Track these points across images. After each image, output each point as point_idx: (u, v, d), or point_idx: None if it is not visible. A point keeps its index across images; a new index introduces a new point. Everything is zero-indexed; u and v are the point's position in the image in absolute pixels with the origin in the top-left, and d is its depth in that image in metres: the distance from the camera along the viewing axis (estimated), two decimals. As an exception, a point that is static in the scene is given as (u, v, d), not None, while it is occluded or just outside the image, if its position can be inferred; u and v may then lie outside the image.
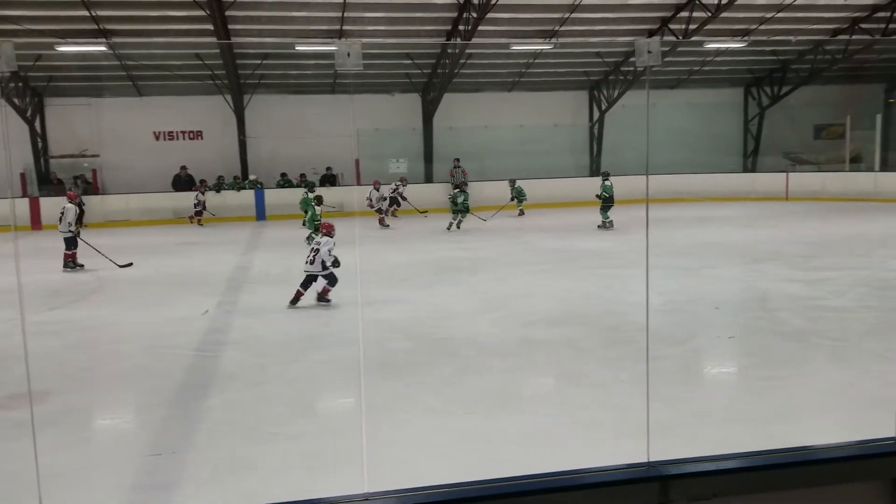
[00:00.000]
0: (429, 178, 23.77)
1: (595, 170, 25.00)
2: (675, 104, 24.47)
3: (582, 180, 23.43)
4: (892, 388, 3.60)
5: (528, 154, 23.50)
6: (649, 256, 12.87)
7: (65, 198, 14.32)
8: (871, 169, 23.47)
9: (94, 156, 22.65)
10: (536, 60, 22.47)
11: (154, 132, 23.27)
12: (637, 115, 21.98)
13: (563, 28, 19.89)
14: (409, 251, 15.62)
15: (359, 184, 21.27)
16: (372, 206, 19.25)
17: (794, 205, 21.74)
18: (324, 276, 10.32)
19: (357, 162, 23.14)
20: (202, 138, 23.50)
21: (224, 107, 22.46)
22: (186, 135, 23.47)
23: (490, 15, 17.69)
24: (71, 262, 13.82)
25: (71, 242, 13.75)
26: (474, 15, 17.72)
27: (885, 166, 23.03)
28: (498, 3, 17.00)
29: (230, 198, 22.14)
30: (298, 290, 10.33)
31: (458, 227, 18.07)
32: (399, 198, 21.08)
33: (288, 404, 6.75)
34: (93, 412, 6.98)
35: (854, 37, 21.51)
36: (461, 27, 18.90)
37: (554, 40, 20.44)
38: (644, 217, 18.56)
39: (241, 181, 22.72)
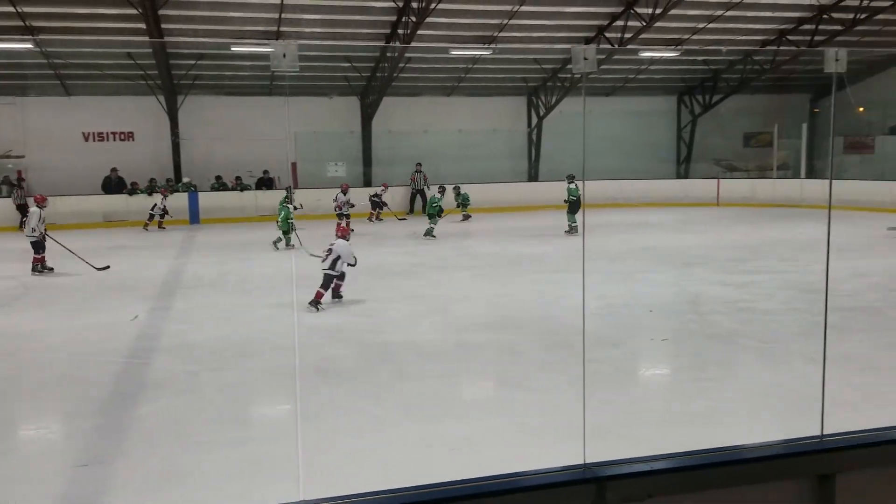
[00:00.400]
0: (367, 182, 23.63)
1: (533, 175, 25.29)
2: (610, 111, 24.92)
3: (520, 185, 23.66)
4: (816, 389, 3.72)
5: (467, 159, 23.57)
6: (586, 261, 13.07)
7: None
8: (797, 176, 24.30)
9: (19, 156, 21.82)
10: (475, 66, 22.59)
11: (83, 133, 22.57)
12: (574, 121, 22.30)
13: (501, 34, 20.05)
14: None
15: (295, 187, 20.99)
16: (338, 210, 18.79)
17: (724, 210, 22.35)
18: (337, 277, 10.55)
19: (294, 165, 22.85)
20: (133, 139, 22.89)
21: (157, 107, 21.92)
22: (117, 136, 22.83)
23: (429, 19, 17.71)
24: (39, 266, 13.33)
25: (38, 246, 13.29)
26: (413, 19, 17.71)
27: (811, 174, 23.88)
28: (437, 7, 17.03)
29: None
30: (319, 291, 10.29)
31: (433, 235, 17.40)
32: (381, 202, 21.18)
33: (221, 412, 6.60)
34: (15, 423, 6.70)
35: (781, 48, 22.27)
36: (400, 31, 18.87)
37: (493, 46, 20.59)
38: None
39: (174, 184, 22.20)
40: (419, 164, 23.32)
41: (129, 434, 6.10)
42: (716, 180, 24.47)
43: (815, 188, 21.67)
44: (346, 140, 23.81)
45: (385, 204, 21.21)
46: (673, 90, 26.82)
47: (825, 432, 3.51)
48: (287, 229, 16.01)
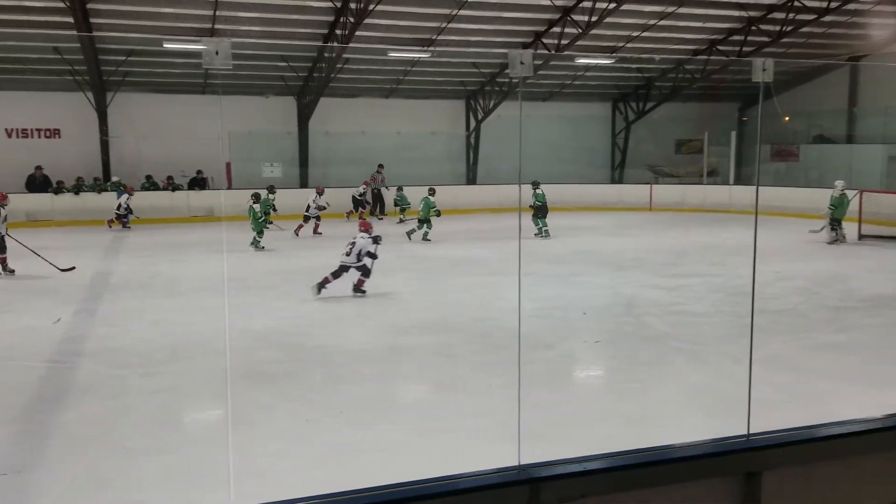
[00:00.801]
0: (304, 184, 23.33)
1: (472, 178, 25.39)
2: (547, 116, 25.21)
3: (458, 188, 23.72)
4: (743, 389, 3.82)
5: (405, 161, 23.50)
6: (523, 264, 13.15)
7: None
8: (726, 182, 25.01)
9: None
10: (414, 68, 22.58)
11: (6, 129, 21.70)
12: (512, 125, 22.49)
13: (440, 37, 20.09)
14: (283, 258, 15.25)
15: (230, 187, 20.57)
16: (309, 214, 18.38)
17: (657, 215, 22.84)
18: (357, 268, 11.11)
19: (228, 165, 22.41)
20: (60, 137, 22.11)
21: (84, 104, 21.23)
22: (42, 133, 22.02)
23: (368, 21, 17.61)
24: (0, 267, 12.79)
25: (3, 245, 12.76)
26: (352, 20, 17.59)
27: (739, 180, 24.62)
28: (375, 9, 16.95)
29: (90, 200, 20.90)
30: (326, 277, 10.89)
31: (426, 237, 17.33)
32: (364, 201, 21.56)
33: (149, 417, 6.41)
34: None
35: (711, 57, 22.91)
36: (338, 31, 18.72)
37: (431, 49, 20.61)
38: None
39: (102, 183, 21.52)
40: (381, 166, 23.24)
41: (52, 441, 5.88)
42: (649, 185, 24.99)
43: (744, 194, 22.32)
44: (282, 140, 23.48)
45: (368, 203, 21.72)
46: (608, 97, 27.30)
47: (751, 431, 3.59)
48: (260, 231, 15.66)
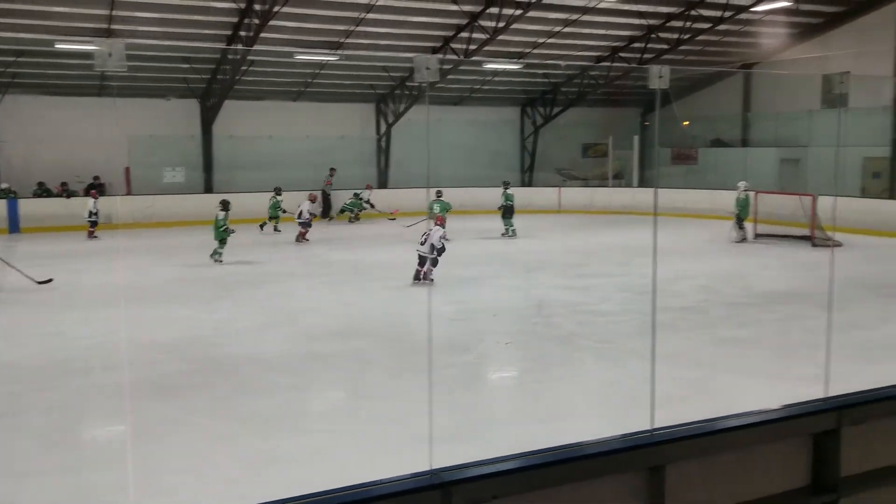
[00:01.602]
0: (208, 188, 22.71)
1: (383, 182, 25.27)
2: (458, 120, 25.39)
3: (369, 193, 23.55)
4: (648, 385, 3.93)
5: (314, 165, 23.18)
6: (437, 267, 13.11)
7: None
8: (630, 185, 25.78)
9: None
10: (322, 71, 22.32)
11: None
12: (423, 129, 22.52)
13: (348, 40, 19.92)
14: (185, 266, 14.75)
15: (129, 193, 19.76)
16: (300, 219, 17.86)
17: (565, 217, 23.30)
18: (423, 259, 12.09)
19: (127, 170, 21.53)
20: (-58, 141, 20.80)
21: (-29, 107, 20.05)
22: (-77, 137, 20.67)
23: (273, 22, 17.29)
24: None
25: None
26: (256, 21, 17.23)
27: (642, 183, 25.40)
28: (281, 10, 16.66)
29: (-23, 208, 19.74)
30: (417, 269, 12.19)
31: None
32: (366, 204, 21.83)
33: (44, 435, 6.08)
34: None
35: (614, 64, 23.59)
36: (242, 33, 18.31)
37: (339, 52, 20.42)
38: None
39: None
40: (332, 169, 23.11)
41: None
42: (557, 188, 25.48)
43: (647, 196, 23.03)
44: (184, 144, 22.75)
45: (372, 205, 21.84)
46: (516, 101, 27.71)
47: (655, 426, 3.68)
48: (222, 240, 14.67)
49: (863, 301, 10.98)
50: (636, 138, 25.72)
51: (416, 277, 12.24)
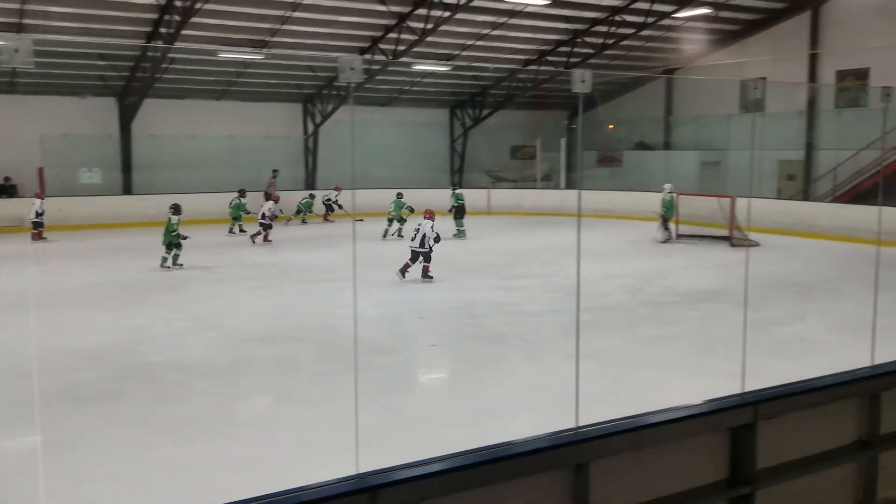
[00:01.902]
0: (127, 190, 21.99)
1: (310, 183, 24.96)
2: (387, 121, 25.31)
3: (298, 193, 23.24)
4: (574, 384, 3.99)
5: (238, 166, 22.71)
6: (366, 269, 13.06)
7: None
8: (557, 187, 26.16)
9: None
10: (247, 70, 21.90)
11: None
12: (351, 130, 22.38)
13: (274, 39, 19.61)
14: (103, 269, 14.24)
15: (42, 194, 18.89)
16: (262, 220, 17.57)
17: (495, 219, 23.45)
18: (422, 254, 12.39)
19: (41, 170, 20.65)
20: None
21: None
22: None
23: (195, 19, 16.86)
24: None
25: None
26: (177, 18, 16.77)
27: (569, 185, 25.81)
28: (203, 7, 16.26)
29: None
30: (407, 263, 12.39)
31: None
32: (335, 205, 21.92)
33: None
34: None
35: (542, 67, 23.91)
36: (163, 29, 17.80)
37: (265, 51, 20.08)
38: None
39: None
40: (276, 171, 23.00)
41: None
42: (487, 190, 25.65)
43: (574, 198, 23.43)
44: (102, 144, 21.95)
45: (340, 206, 21.88)
46: (446, 103, 27.79)
47: (580, 424, 3.72)
48: (169, 245, 13.84)
49: (778, 299, 11.40)
50: (563, 141, 26.12)
51: (403, 272, 12.48)
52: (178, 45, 17.99)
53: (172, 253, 13.87)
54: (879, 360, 4.91)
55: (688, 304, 11.31)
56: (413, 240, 12.59)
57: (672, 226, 17.78)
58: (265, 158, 23.60)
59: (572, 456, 3.59)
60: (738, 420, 4.11)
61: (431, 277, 12.52)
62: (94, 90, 21.36)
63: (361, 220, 20.40)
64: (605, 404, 6.03)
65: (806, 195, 22.13)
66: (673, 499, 3.95)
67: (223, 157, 22.80)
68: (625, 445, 3.76)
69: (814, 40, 22.25)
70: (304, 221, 21.74)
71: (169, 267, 13.79)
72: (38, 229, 17.73)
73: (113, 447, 5.87)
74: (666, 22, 21.17)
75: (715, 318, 10.22)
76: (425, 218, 12.84)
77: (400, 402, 7.01)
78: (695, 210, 17.91)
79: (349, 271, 12.59)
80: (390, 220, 18.49)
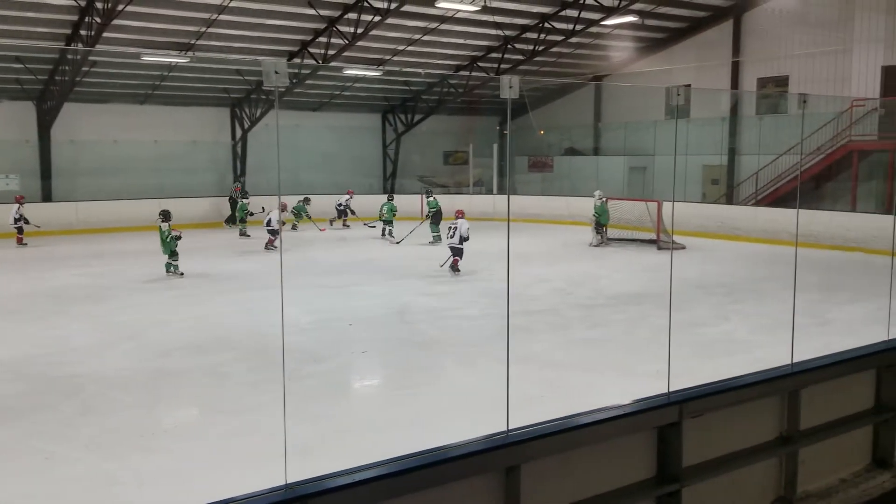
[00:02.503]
0: (47, 197, 21.18)
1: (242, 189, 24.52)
2: (317, 126, 25.06)
3: (225, 200, 22.80)
4: (505, 388, 4.01)
5: (163, 171, 22.13)
6: (299, 276, 12.88)
7: None
8: (490, 192, 26.33)
9: None
10: (172, 73, 21.36)
11: None
12: (282, 135, 22.03)
13: (200, 42, 19.19)
14: (25, 279, 13.68)
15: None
16: (268, 227, 17.30)
17: (427, 224, 23.40)
18: (454, 249, 13.68)
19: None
20: None
21: None
22: None
23: (117, 21, 16.37)
24: None
25: None
26: (98, 20, 16.25)
27: (501, 190, 26.02)
28: (125, 9, 15.81)
29: None
30: (455, 259, 13.78)
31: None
32: (347, 209, 22.02)
33: None
34: None
35: (473, 73, 24.05)
36: (83, 32, 17.22)
37: (190, 54, 19.63)
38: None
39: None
40: (241, 177, 23.08)
41: None
42: (420, 196, 25.63)
43: (506, 202, 23.62)
44: (19, 150, 21.09)
45: (353, 211, 22.03)
46: (378, 108, 27.69)
47: (511, 427, 3.73)
48: (172, 251, 13.51)
49: (702, 300, 11.71)
50: (495, 146, 26.33)
51: (454, 268, 13.73)
52: (99, 47, 17.44)
53: (174, 261, 13.60)
54: (798, 358, 5.07)
55: (617, 306, 11.51)
56: (451, 238, 13.81)
57: (604, 230, 18.06)
58: (192, 164, 23.06)
59: (503, 459, 3.59)
60: (665, 419, 4.19)
61: (458, 271, 13.70)
62: (10, 94, 20.52)
63: (374, 225, 20.94)
64: (536, 407, 6.08)
65: (729, 199, 22.83)
66: (602, 498, 4.00)
67: (148, 163, 22.20)
68: (555, 447, 3.79)
69: (736, 48, 23.02)
70: (294, 227, 21.35)
71: (178, 273, 13.62)
72: (19, 232, 17.70)
73: (32, 462, 5.64)
74: (594, 29, 21.57)
75: (643, 319, 10.42)
76: (457, 217, 14.07)
77: (331, 409, 6.92)
78: (623, 214, 18.28)
79: (274, 278, 12.43)
80: (385, 222, 19.62)
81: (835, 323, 10.08)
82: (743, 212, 20.27)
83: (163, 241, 13.54)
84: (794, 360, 5.01)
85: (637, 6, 20.26)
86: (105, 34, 16.91)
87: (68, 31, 17.78)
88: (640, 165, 24.45)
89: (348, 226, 22.01)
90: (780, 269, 13.76)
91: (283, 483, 3.29)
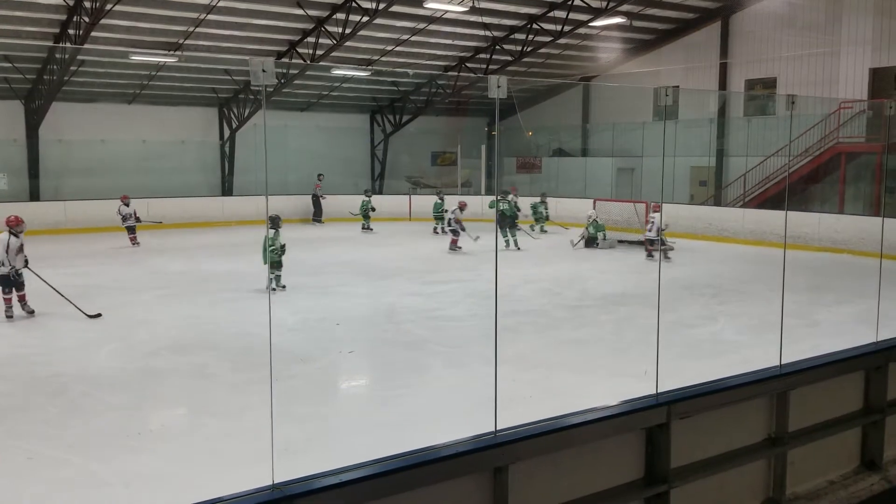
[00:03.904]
0: (34, 196, 21.04)
1: (227, 189, 24.42)
2: (306, 126, 24.99)
3: (213, 199, 22.73)
4: (492, 389, 4.01)
5: (152, 171, 22.01)
6: (284, 277, 12.79)
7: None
8: (478, 193, 26.33)
9: None
10: (160, 73, 21.26)
11: None
12: (270, 134, 21.95)
13: (188, 42, 19.10)
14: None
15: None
16: (450, 227, 17.70)
17: (415, 225, 23.41)
18: (452, 231, 17.04)
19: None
20: None
21: None
22: None
23: (105, 21, 16.28)
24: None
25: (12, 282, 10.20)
26: (86, 19, 16.15)
27: (489, 191, 26.03)
28: (114, 9, 15.72)
29: None
30: (454, 240, 16.82)
31: None
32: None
33: None
34: None
35: (461, 74, 24.05)
36: (71, 31, 17.12)
37: (178, 53, 19.53)
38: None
39: None
40: (321, 175, 23.14)
41: None
42: (408, 196, 25.61)
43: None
44: (7, 149, 20.95)
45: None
46: (366, 108, 27.65)
47: (499, 428, 3.72)
48: (273, 261, 12.07)
49: (691, 301, 11.75)
50: (483, 147, 26.33)
51: (453, 248, 16.72)
52: (87, 46, 17.32)
53: (276, 273, 12.14)
54: (787, 359, 5.09)
55: (603, 307, 11.53)
56: (449, 224, 17.00)
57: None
58: (180, 164, 22.96)
59: (491, 459, 3.59)
60: (653, 420, 4.20)
61: (460, 248, 16.70)
62: (-3, 93, 20.40)
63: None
64: (524, 407, 6.10)
65: (717, 200, 22.92)
66: (590, 499, 4.00)
67: (135, 163, 22.08)
68: (543, 448, 3.79)
69: (724, 50, 23.14)
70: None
71: (274, 289, 12.07)
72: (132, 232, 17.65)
73: (17, 463, 5.59)
74: (582, 30, 21.62)
75: (631, 320, 10.44)
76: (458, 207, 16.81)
77: (319, 410, 6.90)
78: (612, 215, 18.32)
79: (262, 279, 12.37)
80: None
81: (823, 324, 10.14)
82: (731, 213, 20.35)
83: (264, 249, 12.30)
84: (783, 362, 5.03)
85: (625, 8, 20.32)
86: (93, 33, 16.82)
87: (56, 30, 17.68)
88: (628, 167, 24.51)
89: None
90: (767, 271, 13.83)
91: (269, 483, 3.28)
